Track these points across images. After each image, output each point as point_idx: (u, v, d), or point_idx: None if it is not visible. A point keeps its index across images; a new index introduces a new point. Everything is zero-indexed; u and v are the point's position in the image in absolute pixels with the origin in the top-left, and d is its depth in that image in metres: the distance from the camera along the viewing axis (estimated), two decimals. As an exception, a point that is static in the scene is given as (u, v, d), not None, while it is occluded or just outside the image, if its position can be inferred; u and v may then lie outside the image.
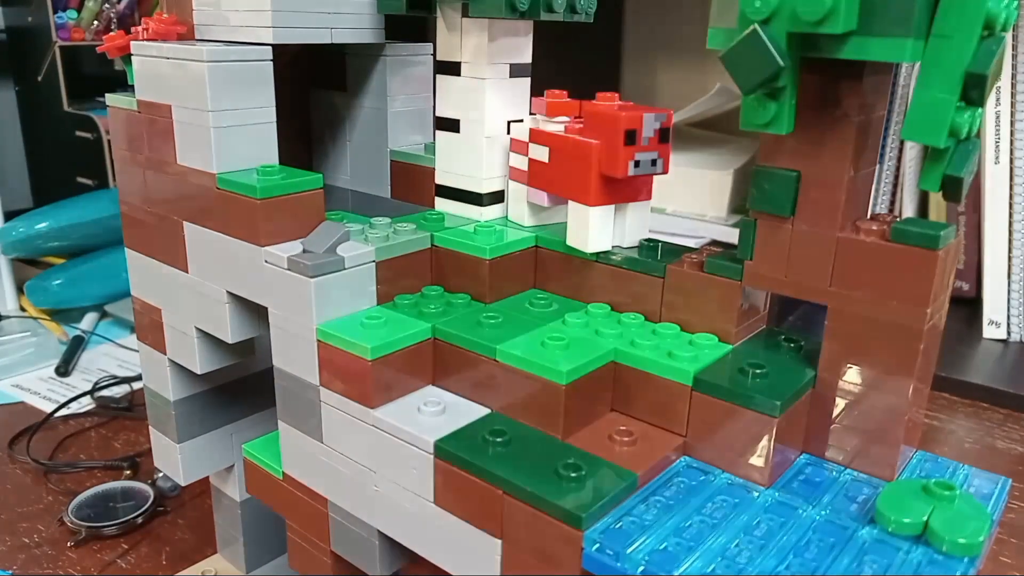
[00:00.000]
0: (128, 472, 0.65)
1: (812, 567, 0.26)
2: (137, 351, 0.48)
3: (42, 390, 0.81)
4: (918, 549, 0.27)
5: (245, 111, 0.37)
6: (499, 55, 0.39)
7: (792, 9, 0.25)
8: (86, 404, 0.77)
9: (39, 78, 1.24)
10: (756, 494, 0.30)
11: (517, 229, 0.40)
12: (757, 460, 0.30)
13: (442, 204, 0.43)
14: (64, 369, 0.84)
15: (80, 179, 1.23)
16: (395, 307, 0.36)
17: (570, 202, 0.36)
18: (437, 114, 0.42)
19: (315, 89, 0.49)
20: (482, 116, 0.39)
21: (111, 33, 0.43)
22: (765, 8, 0.26)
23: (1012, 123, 0.89)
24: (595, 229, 0.36)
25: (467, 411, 0.33)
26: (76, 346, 0.89)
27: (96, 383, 0.80)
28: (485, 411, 0.33)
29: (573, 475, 0.28)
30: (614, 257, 0.36)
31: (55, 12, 1.19)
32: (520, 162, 0.39)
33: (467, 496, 0.30)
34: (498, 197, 0.41)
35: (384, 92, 0.45)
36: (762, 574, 0.25)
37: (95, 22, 1.23)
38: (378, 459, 0.34)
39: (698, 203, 1.06)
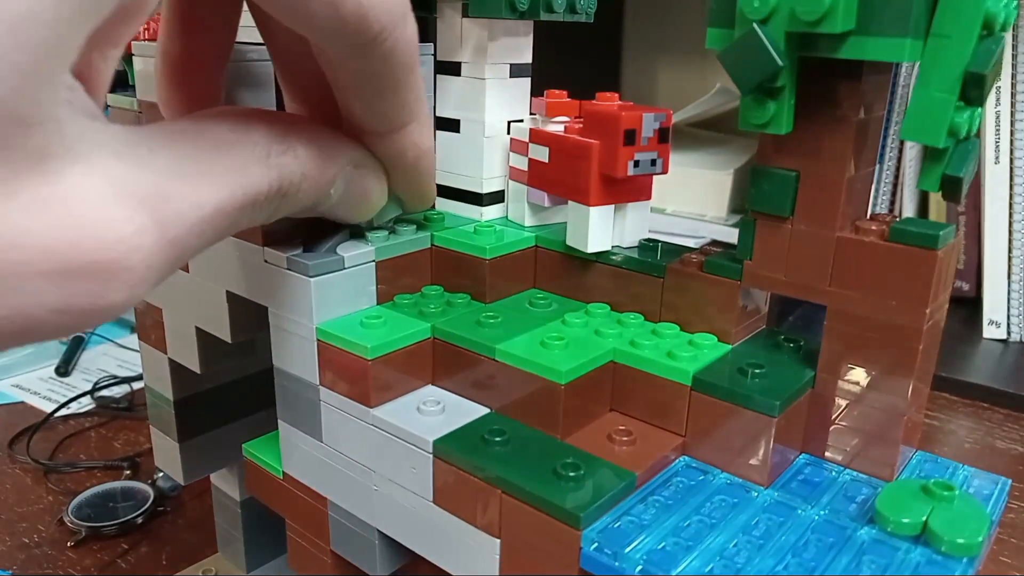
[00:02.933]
0: (128, 472, 0.65)
1: (811, 567, 0.26)
2: (137, 351, 0.48)
3: (42, 390, 0.81)
4: (917, 549, 0.27)
5: (245, 111, 0.37)
6: (499, 55, 0.39)
7: (790, 9, 0.25)
8: (86, 404, 0.77)
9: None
10: (755, 494, 0.30)
11: (517, 229, 0.40)
12: (756, 460, 0.30)
13: (442, 204, 0.43)
14: (64, 369, 0.84)
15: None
16: (395, 307, 0.36)
17: (570, 202, 0.36)
18: (437, 114, 0.42)
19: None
20: (482, 116, 0.39)
21: (111, 33, 0.43)
22: (763, 8, 0.26)
23: (1012, 123, 0.89)
24: (595, 229, 0.36)
25: (467, 411, 0.33)
26: (76, 346, 0.89)
27: (96, 383, 0.80)
28: (485, 411, 0.33)
29: (572, 475, 0.28)
30: (614, 257, 0.36)
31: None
32: (520, 162, 0.39)
33: (466, 496, 0.30)
34: (498, 197, 0.41)
35: (384, 92, 0.45)
36: (760, 574, 0.25)
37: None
38: (378, 459, 0.34)
39: (698, 203, 1.06)
